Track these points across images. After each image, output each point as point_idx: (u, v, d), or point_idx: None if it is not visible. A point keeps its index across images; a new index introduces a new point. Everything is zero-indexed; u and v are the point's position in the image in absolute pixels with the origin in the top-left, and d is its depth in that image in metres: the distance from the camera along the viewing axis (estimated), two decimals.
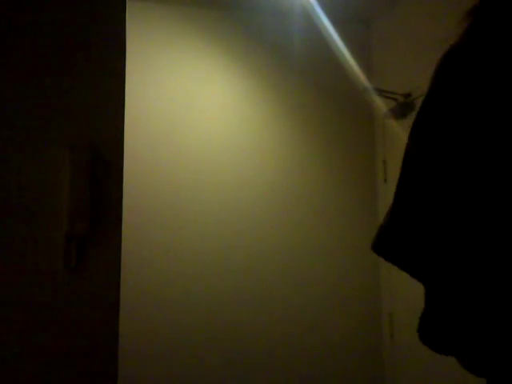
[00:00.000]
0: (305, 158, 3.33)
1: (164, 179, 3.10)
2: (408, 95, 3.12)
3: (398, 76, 3.27)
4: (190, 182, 3.14)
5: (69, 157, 1.52)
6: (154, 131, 3.12)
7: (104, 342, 1.52)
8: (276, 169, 3.28)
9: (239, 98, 3.28)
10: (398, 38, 3.32)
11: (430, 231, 0.71)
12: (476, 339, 0.69)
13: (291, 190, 3.28)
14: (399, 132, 3.23)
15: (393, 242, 0.76)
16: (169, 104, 3.17)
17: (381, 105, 3.35)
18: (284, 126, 3.33)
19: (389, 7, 3.34)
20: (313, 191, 3.32)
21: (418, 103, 3.55)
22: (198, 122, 3.20)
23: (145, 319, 2.97)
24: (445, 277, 0.72)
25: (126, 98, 1.64)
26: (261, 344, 3.12)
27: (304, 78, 3.40)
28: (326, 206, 3.33)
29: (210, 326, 3.06)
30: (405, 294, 3.15)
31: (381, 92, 3.25)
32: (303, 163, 3.33)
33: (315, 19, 3.31)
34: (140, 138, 3.09)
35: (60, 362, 1.48)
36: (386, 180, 3.34)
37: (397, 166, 3.35)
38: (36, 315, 1.48)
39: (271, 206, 3.24)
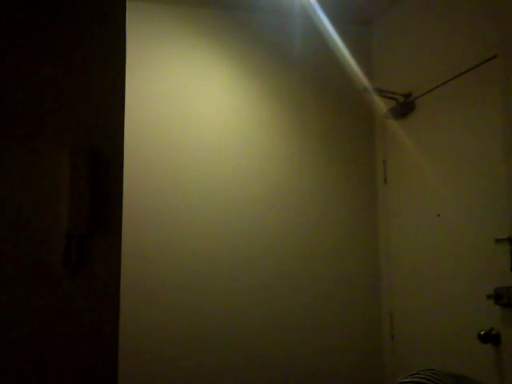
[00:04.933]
0: (304, 158, 3.33)
1: (164, 179, 3.10)
2: (408, 95, 3.12)
3: (398, 76, 3.27)
4: (191, 181, 3.14)
5: (69, 157, 1.53)
6: (154, 131, 3.12)
7: (104, 341, 1.52)
8: (276, 169, 3.28)
9: (239, 98, 3.28)
10: (398, 38, 3.32)
11: None
12: None
13: (291, 191, 3.28)
14: (399, 132, 3.23)
15: None
16: (169, 104, 3.17)
17: (381, 105, 3.35)
18: (284, 125, 3.33)
19: (389, 8, 3.34)
20: (312, 192, 3.32)
21: (418, 103, 3.56)
22: (198, 121, 3.20)
23: (145, 319, 2.97)
24: None
25: (126, 98, 1.64)
26: (261, 344, 3.12)
27: (304, 78, 3.40)
28: (325, 206, 3.33)
29: (211, 326, 3.06)
30: (405, 294, 3.15)
31: (381, 92, 3.25)
32: (303, 163, 3.32)
33: (315, 19, 3.32)
34: (140, 137, 3.09)
35: (60, 361, 1.48)
36: (386, 180, 3.34)
37: (397, 166, 3.37)
38: (36, 315, 1.48)
39: (271, 206, 3.24)
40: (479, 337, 2.47)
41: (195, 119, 3.19)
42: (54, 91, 1.56)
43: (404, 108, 3.15)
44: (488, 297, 2.44)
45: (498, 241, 2.46)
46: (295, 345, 3.17)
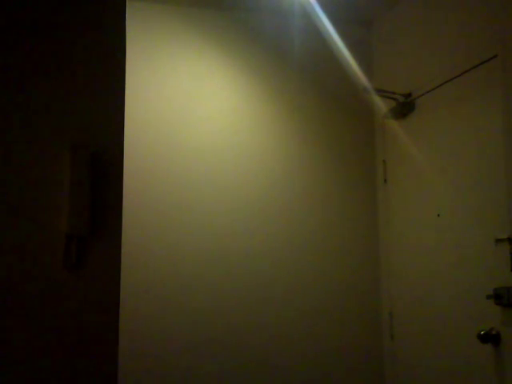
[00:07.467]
0: (304, 159, 3.33)
1: (164, 179, 3.10)
2: (408, 95, 3.12)
3: (398, 76, 3.27)
4: (191, 182, 3.14)
5: (69, 157, 1.53)
6: (154, 131, 3.12)
7: (104, 341, 1.52)
8: (276, 169, 3.28)
9: (239, 98, 3.28)
10: (398, 38, 3.32)
11: None
12: None
13: (291, 191, 3.28)
14: (399, 132, 3.23)
15: None
16: (168, 104, 3.17)
17: (381, 105, 3.35)
18: (284, 125, 3.33)
19: (389, 7, 3.34)
20: (312, 191, 3.32)
21: (418, 103, 3.57)
22: (197, 121, 3.20)
23: (145, 319, 2.97)
24: None
25: (126, 99, 1.64)
26: (260, 344, 3.12)
27: (304, 78, 3.40)
28: (325, 206, 3.33)
29: (211, 326, 3.06)
30: (405, 294, 3.15)
31: (381, 92, 3.25)
32: (303, 163, 3.33)
33: (315, 19, 3.32)
34: (140, 138, 3.09)
35: (60, 361, 1.48)
36: (385, 180, 3.34)
37: (397, 166, 3.38)
38: (36, 315, 1.48)
39: (271, 207, 3.24)
40: (479, 337, 2.47)
41: (195, 119, 3.19)
42: (54, 91, 1.56)
43: (404, 108, 3.15)
44: (488, 297, 2.44)
45: (497, 241, 2.46)
46: (294, 345, 3.17)
